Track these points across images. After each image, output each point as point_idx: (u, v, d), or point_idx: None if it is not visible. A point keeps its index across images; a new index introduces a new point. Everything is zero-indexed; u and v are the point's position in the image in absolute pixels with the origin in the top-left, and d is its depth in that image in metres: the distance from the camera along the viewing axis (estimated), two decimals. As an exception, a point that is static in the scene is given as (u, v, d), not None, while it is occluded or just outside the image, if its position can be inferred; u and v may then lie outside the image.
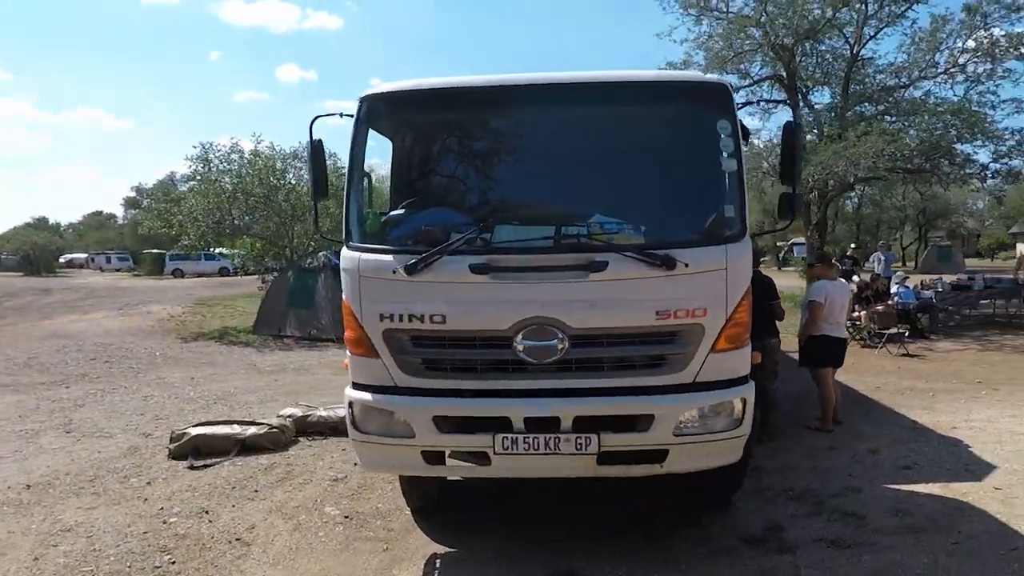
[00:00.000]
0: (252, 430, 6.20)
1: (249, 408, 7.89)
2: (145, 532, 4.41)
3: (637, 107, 3.82)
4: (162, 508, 4.81)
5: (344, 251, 3.78)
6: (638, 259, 3.40)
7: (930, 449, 5.37)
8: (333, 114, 4.27)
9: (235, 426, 6.29)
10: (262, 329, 14.72)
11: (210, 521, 4.57)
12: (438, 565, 3.89)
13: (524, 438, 3.47)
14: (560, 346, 3.45)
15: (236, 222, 16.88)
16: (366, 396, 3.69)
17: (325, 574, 3.82)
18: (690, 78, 4.00)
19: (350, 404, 3.73)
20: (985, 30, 14.87)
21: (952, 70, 15.01)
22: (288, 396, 8.46)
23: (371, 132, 3.90)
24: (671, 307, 3.42)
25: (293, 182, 16.94)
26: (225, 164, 16.93)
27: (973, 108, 13.88)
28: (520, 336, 3.46)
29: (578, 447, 3.45)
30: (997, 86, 13.94)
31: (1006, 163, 13.47)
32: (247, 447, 6.06)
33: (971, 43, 15.15)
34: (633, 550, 3.91)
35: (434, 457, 3.63)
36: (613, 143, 3.89)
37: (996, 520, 3.99)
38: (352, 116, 4.04)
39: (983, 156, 15.65)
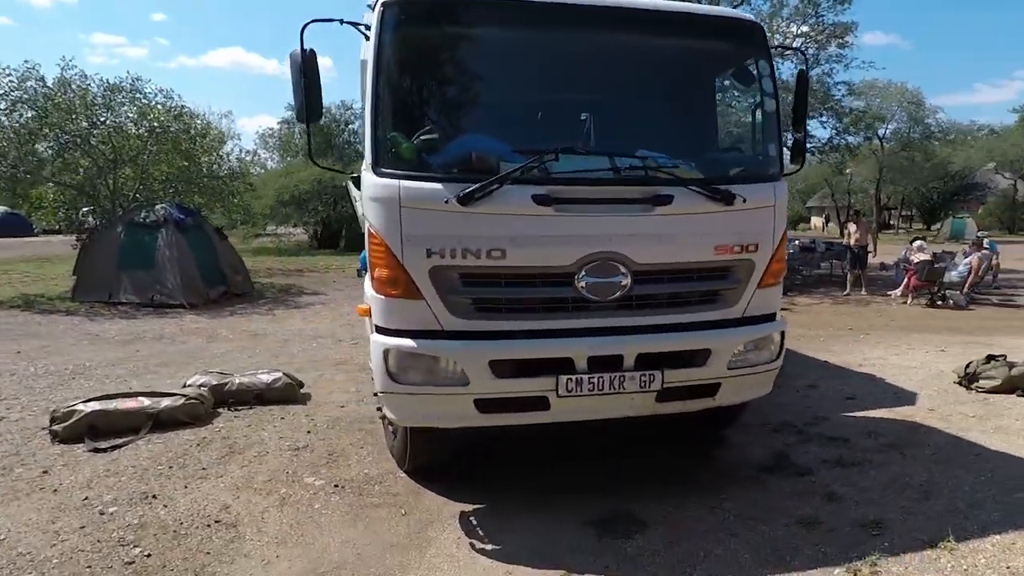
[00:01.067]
0: (166, 402, 5.30)
1: (125, 381, 6.77)
2: (83, 527, 3.61)
3: (684, 40, 3.79)
4: (87, 498, 3.96)
5: (373, 178, 3.34)
6: (702, 193, 3.43)
7: (857, 383, 6.19)
8: (332, 20, 3.74)
9: (142, 399, 5.34)
10: (85, 295, 12.55)
11: (165, 506, 3.86)
12: (474, 522, 3.66)
13: (589, 378, 3.38)
14: (623, 282, 3.39)
15: (32, 169, 14.12)
16: (407, 342, 3.33)
17: (351, 547, 3.43)
18: (735, 15, 4.04)
19: (385, 352, 3.35)
20: (816, 18, 17.10)
21: (787, 53, 17.10)
22: (168, 367, 7.40)
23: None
24: (728, 242, 3.52)
25: (115, 121, 14.58)
26: (19, 92, 14.06)
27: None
28: (583, 272, 3.35)
29: (642, 384, 3.45)
30: (832, 68, 16.12)
31: (844, 138, 15.73)
32: (160, 422, 5.20)
33: (804, 28, 17.33)
34: (663, 484, 4.02)
35: (491, 405, 3.41)
36: (661, 76, 3.86)
37: (949, 434, 4.72)
38: (359, 24, 3.58)
39: (824, 132, 18.07)
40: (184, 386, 5.85)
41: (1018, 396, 5.54)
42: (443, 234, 3.26)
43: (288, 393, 6.00)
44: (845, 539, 3.34)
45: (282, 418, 5.48)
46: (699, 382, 3.58)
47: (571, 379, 3.36)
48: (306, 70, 3.52)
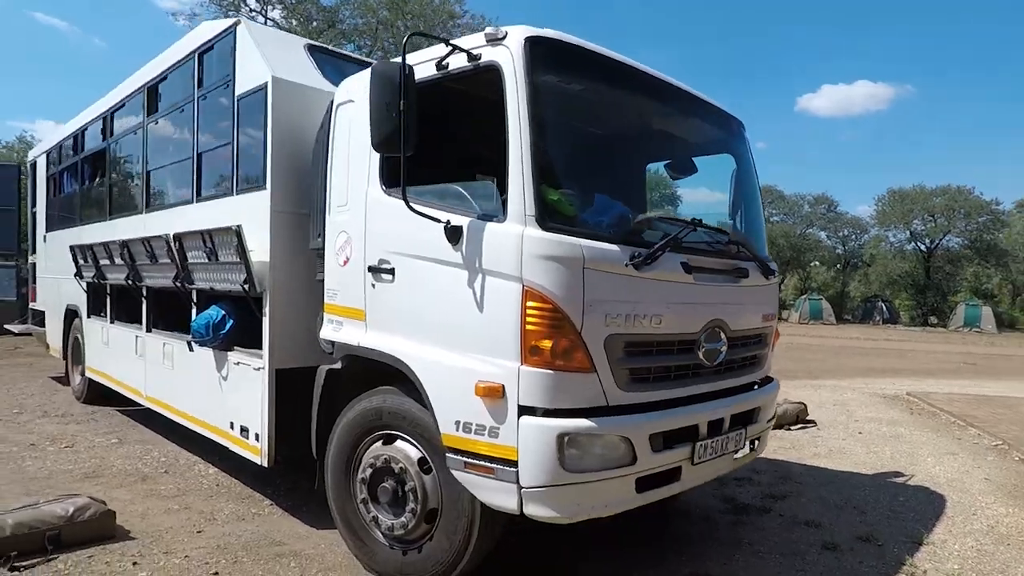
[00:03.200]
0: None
1: None
2: None
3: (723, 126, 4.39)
4: None
5: (539, 234, 2.95)
6: (760, 268, 4.03)
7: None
8: (438, 38, 3.24)
9: None
10: None
11: None
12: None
13: (711, 443, 3.54)
14: (723, 348, 3.70)
15: None
16: (584, 423, 2.95)
17: None
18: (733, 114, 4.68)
19: (561, 437, 2.90)
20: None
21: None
22: None
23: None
24: (768, 311, 4.18)
25: None
26: None
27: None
28: (703, 338, 3.55)
29: (737, 443, 3.77)
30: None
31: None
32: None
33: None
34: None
35: (646, 482, 3.22)
36: (711, 161, 4.37)
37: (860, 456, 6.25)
38: (462, 49, 3.22)
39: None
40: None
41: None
42: (619, 299, 3.08)
43: (104, 526, 4.16)
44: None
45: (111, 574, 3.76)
46: (754, 437, 4.09)
47: (702, 445, 3.48)
48: (406, 90, 3.00)
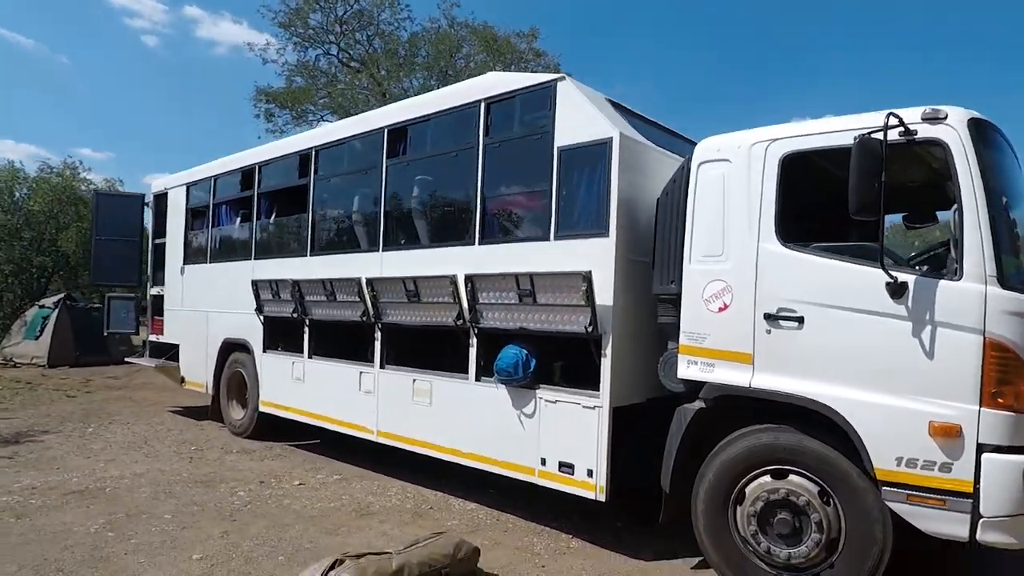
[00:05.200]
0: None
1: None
2: None
3: None
4: None
5: (1004, 292, 3.41)
6: None
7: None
8: (895, 127, 3.64)
9: None
10: None
11: None
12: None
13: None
14: None
15: None
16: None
17: None
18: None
19: None
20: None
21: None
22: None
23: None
24: None
25: None
26: None
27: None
28: None
29: None
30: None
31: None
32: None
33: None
34: None
35: None
36: None
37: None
38: (902, 123, 3.70)
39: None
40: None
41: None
42: None
43: (472, 562, 4.41)
44: None
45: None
46: None
47: None
48: (886, 161, 3.50)
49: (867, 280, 3.74)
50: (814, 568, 3.92)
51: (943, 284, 3.56)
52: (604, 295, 4.71)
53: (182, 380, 9.61)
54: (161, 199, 10.38)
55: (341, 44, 19.31)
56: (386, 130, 6.52)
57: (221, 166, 9.18)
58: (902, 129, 3.69)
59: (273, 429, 8.23)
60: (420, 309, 5.95)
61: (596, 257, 4.77)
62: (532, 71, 18.29)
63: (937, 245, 4.16)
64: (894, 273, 3.66)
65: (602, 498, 4.72)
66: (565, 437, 4.95)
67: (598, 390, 4.80)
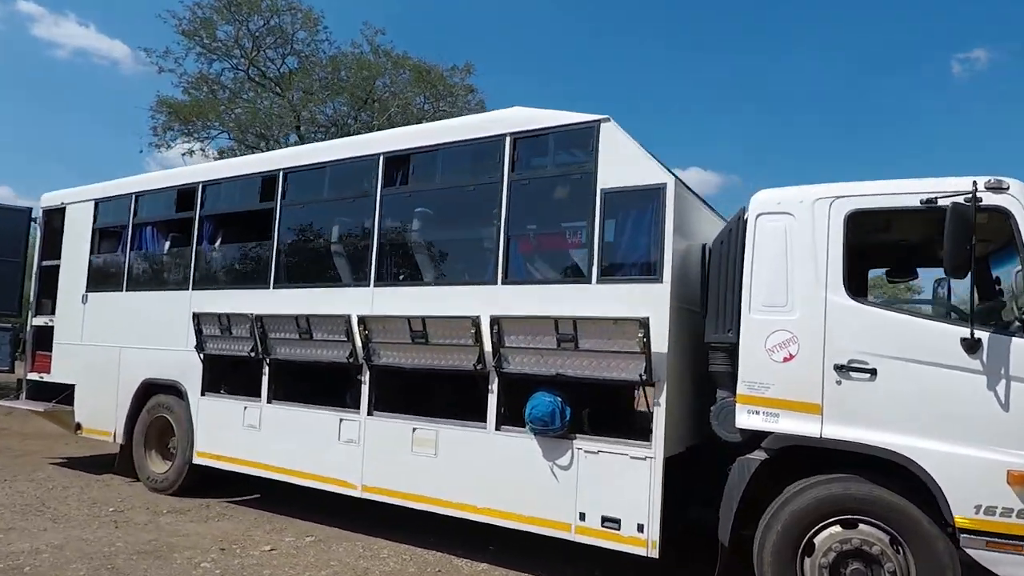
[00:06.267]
0: None
1: None
2: None
3: None
4: None
5: None
6: None
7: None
8: (964, 193, 3.93)
9: None
10: None
11: None
12: None
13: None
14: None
15: None
16: None
17: None
18: None
19: None
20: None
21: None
22: None
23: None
24: None
25: None
26: None
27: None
28: None
29: None
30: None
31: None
32: None
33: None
34: None
35: None
36: None
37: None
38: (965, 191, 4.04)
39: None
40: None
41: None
42: None
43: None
44: None
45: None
46: None
47: None
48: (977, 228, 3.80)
49: (942, 335, 3.99)
50: None
51: (1016, 341, 3.87)
52: (659, 342, 4.66)
53: (78, 427, 8.32)
54: (54, 215, 9.09)
55: (253, 60, 18.18)
56: (382, 157, 6.16)
57: (145, 182, 8.23)
58: (968, 196, 4.01)
59: (202, 483, 7.33)
60: (427, 351, 5.59)
61: (649, 303, 4.73)
62: (464, 106, 18.32)
63: (997, 303, 4.52)
64: (967, 330, 3.92)
65: (655, 554, 4.60)
66: (609, 490, 4.79)
67: (647, 440, 4.71)
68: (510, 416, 5.25)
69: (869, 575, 4.06)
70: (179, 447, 7.32)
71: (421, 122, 18.17)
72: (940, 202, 4.02)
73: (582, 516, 4.87)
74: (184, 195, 7.71)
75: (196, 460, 7.11)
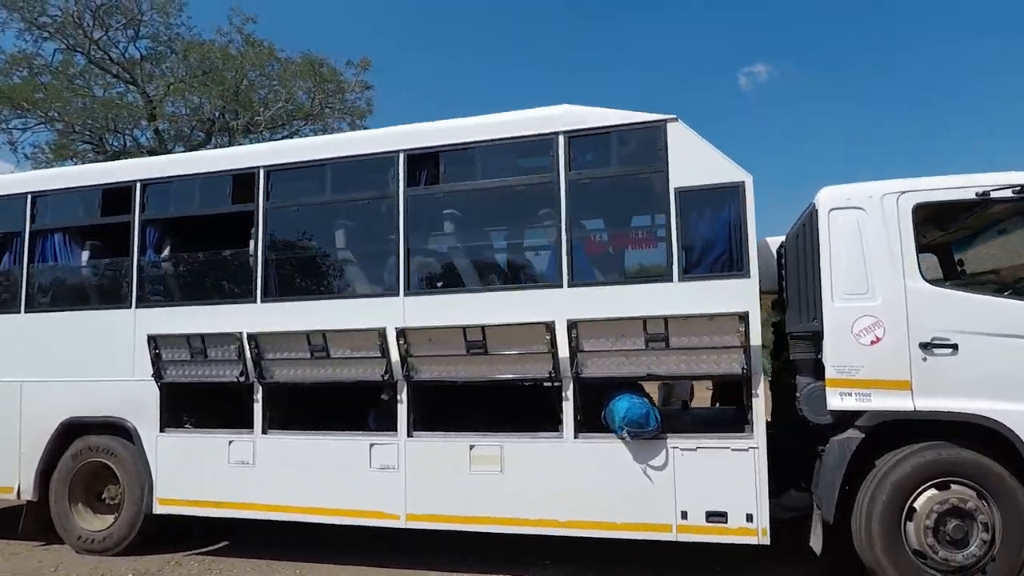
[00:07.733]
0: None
1: None
2: None
3: None
4: None
5: None
6: None
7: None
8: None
9: None
10: None
11: None
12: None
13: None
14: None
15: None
16: None
17: None
18: None
19: None
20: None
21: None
22: None
23: None
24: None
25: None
26: None
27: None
28: None
29: None
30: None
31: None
32: None
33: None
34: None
35: None
36: None
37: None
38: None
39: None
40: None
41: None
42: None
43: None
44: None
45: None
46: None
47: None
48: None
49: (1014, 310, 4.62)
50: (979, 564, 4.56)
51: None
52: (753, 335, 4.86)
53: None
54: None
55: (98, 41, 15.38)
56: (403, 154, 5.71)
57: (45, 180, 6.83)
58: (1019, 189, 4.68)
59: (152, 537, 6.26)
60: (486, 363, 5.27)
61: (740, 298, 4.91)
62: (355, 102, 17.27)
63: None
64: (1038, 308, 4.59)
65: (766, 541, 4.77)
66: (711, 485, 4.89)
67: (742, 431, 4.89)
68: (589, 423, 5.14)
69: (965, 528, 4.56)
70: (126, 497, 6.16)
71: (308, 120, 17.22)
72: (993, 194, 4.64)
73: (684, 515, 4.91)
74: (113, 195, 6.49)
75: (158, 509, 6.02)
